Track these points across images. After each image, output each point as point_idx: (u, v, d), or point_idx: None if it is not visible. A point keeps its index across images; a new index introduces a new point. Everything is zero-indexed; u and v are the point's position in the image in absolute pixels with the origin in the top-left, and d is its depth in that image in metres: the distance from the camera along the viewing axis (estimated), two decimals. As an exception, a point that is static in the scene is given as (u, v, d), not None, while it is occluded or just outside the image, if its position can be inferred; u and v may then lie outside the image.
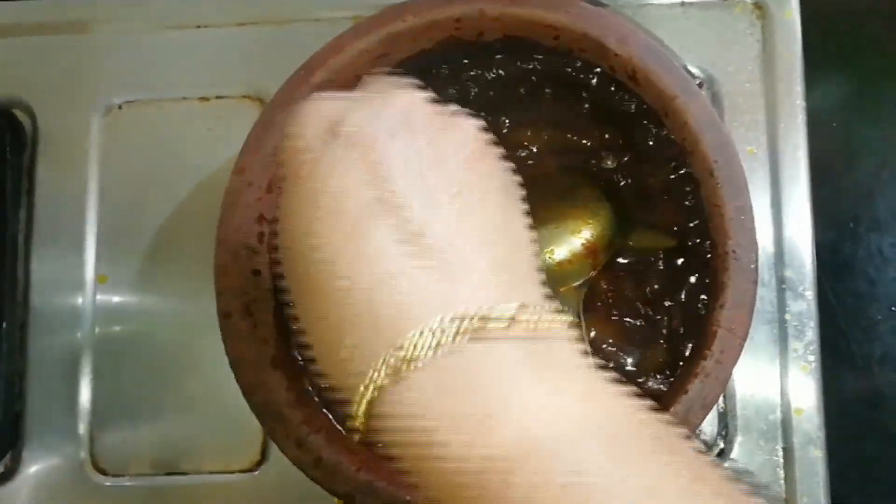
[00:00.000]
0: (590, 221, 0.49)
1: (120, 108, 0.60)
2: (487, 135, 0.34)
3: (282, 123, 0.34)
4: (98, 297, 0.59)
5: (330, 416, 0.47)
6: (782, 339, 0.55)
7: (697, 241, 0.46)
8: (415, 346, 0.27)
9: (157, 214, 0.60)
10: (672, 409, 0.43)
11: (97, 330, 0.59)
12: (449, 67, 0.49)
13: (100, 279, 0.59)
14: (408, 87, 0.34)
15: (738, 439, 0.54)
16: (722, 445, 0.55)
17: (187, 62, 0.60)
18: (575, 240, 0.49)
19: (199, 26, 0.61)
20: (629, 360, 0.48)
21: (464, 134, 0.33)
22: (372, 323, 0.29)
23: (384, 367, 0.28)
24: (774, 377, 0.55)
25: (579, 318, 0.47)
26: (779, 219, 0.56)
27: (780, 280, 0.55)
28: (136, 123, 0.60)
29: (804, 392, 0.55)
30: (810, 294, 0.55)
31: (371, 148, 0.31)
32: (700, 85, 0.56)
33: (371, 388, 0.28)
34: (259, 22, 0.60)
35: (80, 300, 0.59)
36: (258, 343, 0.45)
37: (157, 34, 0.61)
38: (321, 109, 0.33)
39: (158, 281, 0.59)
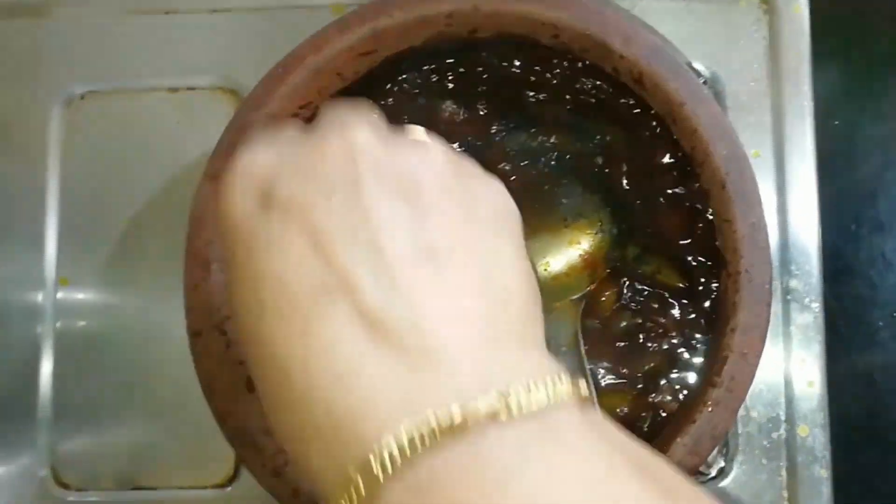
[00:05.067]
0: (588, 232, 0.46)
1: (82, 97, 0.57)
2: (453, 153, 0.29)
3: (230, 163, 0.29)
4: (59, 296, 0.56)
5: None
6: (787, 353, 0.52)
7: (706, 259, 0.43)
8: (382, 462, 0.23)
9: (121, 211, 0.56)
10: (678, 439, 0.40)
11: (58, 332, 0.56)
12: (439, 65, 0.46)
13: (61, 281, 0.55)
14: (353, 124, 0.28)
15: (740, 458, 0.52)
16: (722, 464, 0.52)
17: (155, 50, 0.57)
18: (573, 251, 0.46)
19: (167, 12, 0.57)
20: (628, 380, 0.45)
21: (427, 158, 0.29)
22: (333, 433, 0.25)
23: (353, 490, 0.24)
24: (778, 393, 0.52)
25: (577, 333, 0.44)
26: (784, 226, 0.53)
27: (786, 291, 0.52)
28: (99, 115, 0.56)
29: (809, 408, 0.52)
30: (817, 306, 0.52)
31: (309, 216, 0.26)
32: (704, 83, 0.53)
33: None
34: (233, 9, 0.56)
35: (39, 301, 0.56)
36: (231, 364, 0.41)
37: (123, 19, 0.57)
38: (251, 170, 0.29)
39: (123, 281, 0.56)
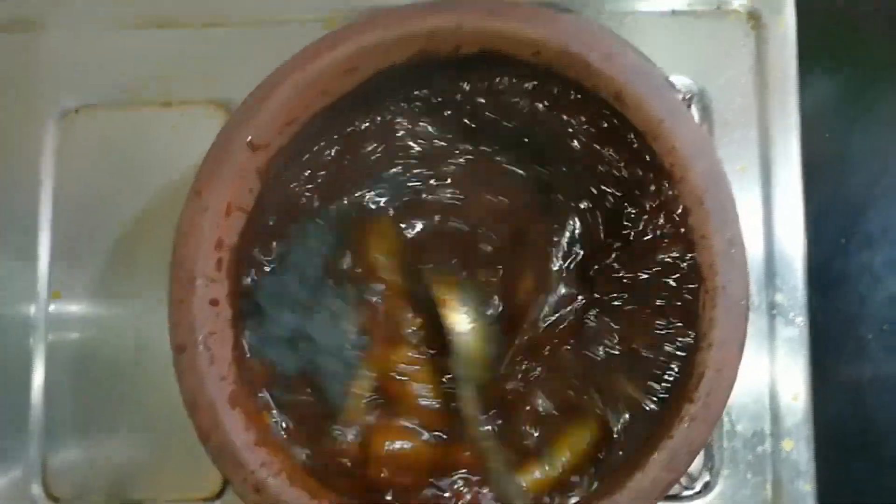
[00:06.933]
0: None
1: (76, 111, 0.57)
2: None
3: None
4: (51, 309, 0.56)
5: (293, 455, 0.44)
6: (772, 367, 0.52)
7: (682, 275, 0.44)
8: None
9: (114, 224, 0.57)
10: (655, 455, 0.40)
11: (50, 345, 0.56)
12: (420, 84, 0.46)
13: (54, 294, 0.56)
14: None
15: (724, 472, 0.52)
16: (707, 478, 0.52)
17: (149, 64, 0.57)
18: None
19: (161, 26, 0.57)
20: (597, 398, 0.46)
21: None
22: None
23: None
24: (763, 407, 0.52)
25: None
26: (770, 241, 0.53)
27: (771, 305, 0.53)
28: (93, 129, 0.57)
29: (794, 422, 0.52)
30: (801, 320, 0.53)
31: None
32: (690, 98, 0.53)
33: None
34: (225, 24, 0.57)
35: (32, 313, 0.56)
36: (215, 380, 0.42)
37: (117, 34, 0.58)
38: None
39: (115, 294, 0.57)
